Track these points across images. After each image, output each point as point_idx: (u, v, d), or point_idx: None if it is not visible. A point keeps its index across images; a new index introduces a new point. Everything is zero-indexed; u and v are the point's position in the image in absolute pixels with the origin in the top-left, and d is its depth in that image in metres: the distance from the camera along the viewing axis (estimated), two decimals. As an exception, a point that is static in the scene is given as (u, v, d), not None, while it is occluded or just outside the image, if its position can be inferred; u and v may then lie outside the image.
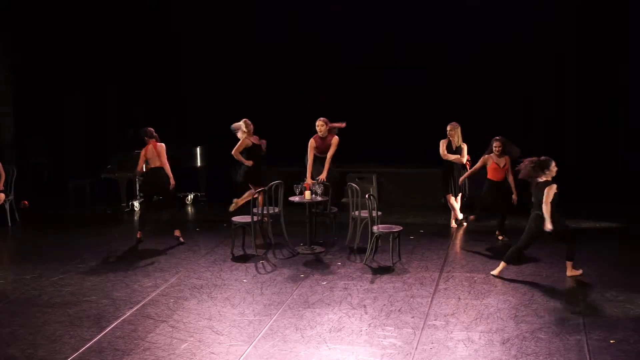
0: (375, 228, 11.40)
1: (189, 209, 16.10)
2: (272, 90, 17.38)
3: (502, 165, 12.47)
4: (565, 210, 13.14)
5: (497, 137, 12.52)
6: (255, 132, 13.44)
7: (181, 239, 12.71)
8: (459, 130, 13.23)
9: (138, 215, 12.87)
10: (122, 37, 17.79)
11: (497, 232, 12.79)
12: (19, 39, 17.47)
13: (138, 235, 12.75)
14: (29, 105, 17.93)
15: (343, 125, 13.42)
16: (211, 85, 17.69)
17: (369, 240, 11.51)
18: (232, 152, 13.26)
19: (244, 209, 13.21)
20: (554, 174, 10.21)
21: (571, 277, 10.39)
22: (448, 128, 13.22)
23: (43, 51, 17.83)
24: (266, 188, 12.34)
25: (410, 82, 16.75)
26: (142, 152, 12.67)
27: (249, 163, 13.27)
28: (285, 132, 16.56)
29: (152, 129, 12.70)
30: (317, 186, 12.08)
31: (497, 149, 12.47)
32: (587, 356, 7.78)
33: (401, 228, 11.59)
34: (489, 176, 12.60)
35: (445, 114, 14.12)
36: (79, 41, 17.77)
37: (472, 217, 13.11)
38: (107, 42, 17.78)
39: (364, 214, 11.84)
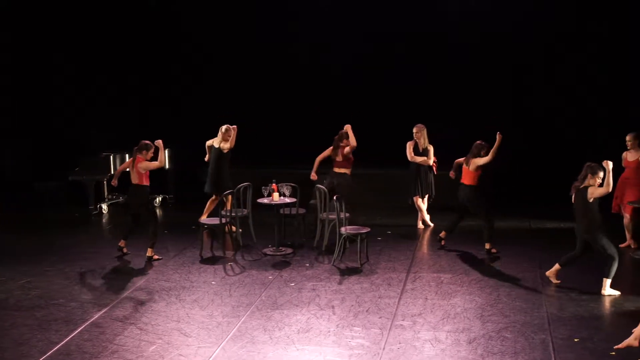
0: (343, 229, 11.46)
1: (158, 211, 16.04)
2: (253, 92, 17.36)
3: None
4: (527, 210, 13.39)
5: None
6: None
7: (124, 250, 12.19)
8: (425, 132, 13.31)
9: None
10: (95, 38, 17.66)
11: (443, 234, 12.63)
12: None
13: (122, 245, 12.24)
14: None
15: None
16: (196, 87, 17.63)
17: (337, 242, 11.57)
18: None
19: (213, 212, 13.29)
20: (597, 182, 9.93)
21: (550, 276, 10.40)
22: (414, 130, 13.30)
23: (11, 53, 17.70)
24: (234, 190, 12.37)
25: (375, 84, 16.82)
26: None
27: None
28: (265, 133, 16.62)
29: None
30: (284, 187, 12.14)
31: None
32: (552, 355, 7.90)
33: (369, 229, 11.66)
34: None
35: (411, 115, 14.17)
36: (51, 42, 17.63)
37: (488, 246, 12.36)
38: (80, 42, 17.64)
39: (332, 215, 11.90)
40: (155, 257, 11.85)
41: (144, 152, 11.79)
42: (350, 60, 16.79)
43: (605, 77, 16.03)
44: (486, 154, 11.93)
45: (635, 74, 15.65)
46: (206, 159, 13.50)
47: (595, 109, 16.04)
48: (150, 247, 11.84)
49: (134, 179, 11.77)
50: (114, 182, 12.27)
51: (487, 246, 12.08)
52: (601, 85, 16.07)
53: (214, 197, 13.41)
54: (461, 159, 12.29)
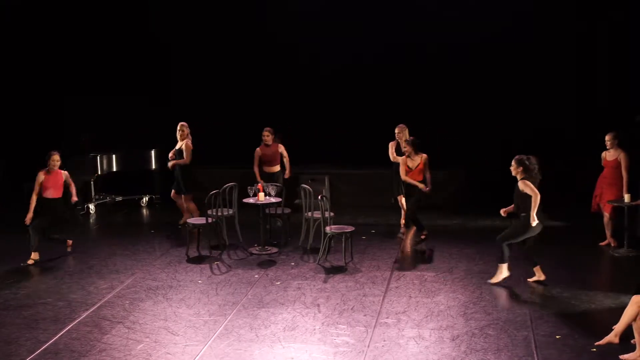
0: (327, 228, 11.56)
1: (144, 211, 16.10)
2: (238, 92, 17.41)
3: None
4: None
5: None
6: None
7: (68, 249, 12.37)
8: (406, 132, 13.40)
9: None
10: (79, 40, 17.64)
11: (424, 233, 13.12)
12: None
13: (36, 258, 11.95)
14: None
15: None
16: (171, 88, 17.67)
17: (322, 241, 11.66)
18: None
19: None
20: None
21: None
22: (396, 130, 13.41)
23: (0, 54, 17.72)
24: (220, 190, 12.44)
25: (360, 85, 16.90)
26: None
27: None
28: (239, 133, 16.66)
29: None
30: (270, 187, 12.24)
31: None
32: (534, 351, 8.01)
33: (353, 228, 11.76)
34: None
35: (395, 116, 14.27)
36: (37, 43, 17.61)
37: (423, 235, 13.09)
38: (64, 44, 17.61)
39: (317, 214, 12.00)
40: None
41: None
42: (336, 60, 16.83)
43: (605, 77, 16.15)
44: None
45: (635, 74, 15.74)
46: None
47: (591, 109, 16.15)
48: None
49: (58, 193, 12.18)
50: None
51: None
52: (597, 85, 16.21)
53: (187, 196, 13.72)
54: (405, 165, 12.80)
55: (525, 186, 9.95)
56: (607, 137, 12.10)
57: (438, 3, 16.39)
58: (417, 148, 12.69)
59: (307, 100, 16.98)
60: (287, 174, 14.06)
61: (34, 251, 11.86)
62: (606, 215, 12.16)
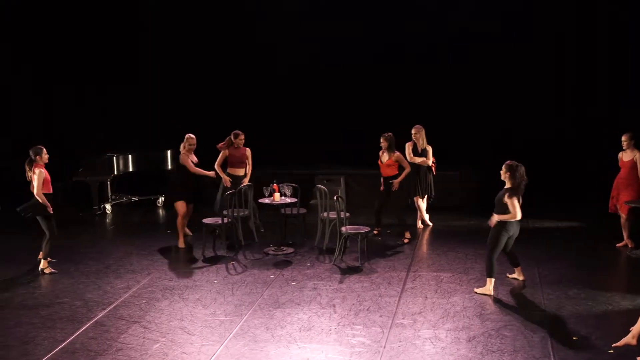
0: (343, 229, 11.57)
1: (160, 211, 16.14)
2: (236, 94, 17.46)
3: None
4: (525, 210, 13.37)
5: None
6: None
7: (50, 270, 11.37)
8: (423, 132, 13.39)
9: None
10: (88, 37, 17.75)
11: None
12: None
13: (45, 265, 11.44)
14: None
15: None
16: (179, 88, 17.71)
17: (338, 241, 11.67)
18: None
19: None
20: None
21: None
22: (413, 131, 13.39)
23: (10, 52, 17.79)
24: (235, 191, 12.45)
25: (375, 85, 16.91)
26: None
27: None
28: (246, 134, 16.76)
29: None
30: (285, 187, 12.26)
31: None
32: (551, 352, 7.99)
33: (369, 229, 11.79)
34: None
35: (410, 116, 14.29)
36: (48, 41, 17.71)
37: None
38: (73, 41, 17.70)
39: (333, 215, 12.01)
40: (49, 270, 11.33)
41: (38, 157, 11.16)
42: (348, 60, 16.86)
43: (605, 77, 16.13)
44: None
45: (635, 75, 15.71)
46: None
47: (595, 109, 16.13)
48: (44, 259, 11.38)
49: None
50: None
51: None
52: (600, 86, 16.19)
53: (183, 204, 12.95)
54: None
55: (512, 204, 9.78)
56: (623, 138, 12.05)
57: (438, 3, 16.42)
58: (392, 146, 12.81)
59: (315, 100, 17.01)
60: (246, 180, 13.26)
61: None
62: (623, 216, 12.12)
